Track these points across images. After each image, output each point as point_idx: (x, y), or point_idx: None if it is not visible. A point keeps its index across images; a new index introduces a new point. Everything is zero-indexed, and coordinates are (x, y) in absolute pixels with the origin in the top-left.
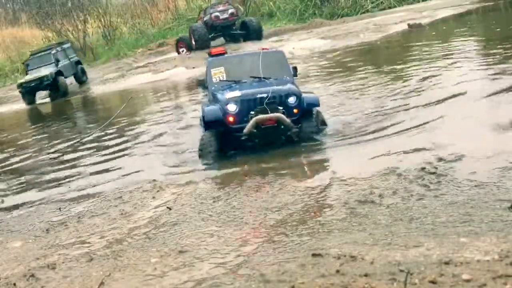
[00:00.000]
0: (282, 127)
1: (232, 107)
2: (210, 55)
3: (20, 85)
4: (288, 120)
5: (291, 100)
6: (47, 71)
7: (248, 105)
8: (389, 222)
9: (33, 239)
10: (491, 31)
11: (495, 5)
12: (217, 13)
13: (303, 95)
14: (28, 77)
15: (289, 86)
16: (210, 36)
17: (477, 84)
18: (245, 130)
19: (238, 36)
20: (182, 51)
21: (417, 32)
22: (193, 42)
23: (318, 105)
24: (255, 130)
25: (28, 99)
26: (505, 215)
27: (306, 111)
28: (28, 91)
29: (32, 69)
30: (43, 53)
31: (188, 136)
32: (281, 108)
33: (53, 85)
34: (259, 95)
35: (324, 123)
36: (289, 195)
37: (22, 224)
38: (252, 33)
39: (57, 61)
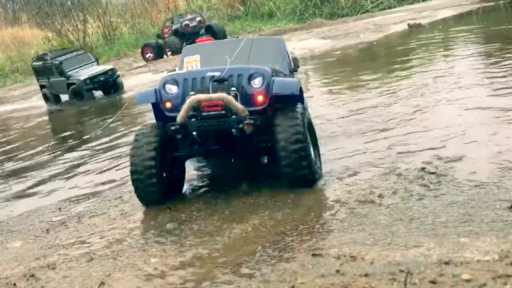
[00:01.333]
0: (233, 116)
1: (171, 89)
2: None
3: (84, 82)
4: (239, 105)
5: (257, 82)
6: (105, 66)
7: (194, 87)
8: (389, 222)
9: (33, 239)
10: (492, 31)
11: (495, 5)
12: (187, 22)
13: (276, 78)
14: (91, 71)
15: (258, 66)
16: (184, 44)
17: (478, 84)
18: (178, 118)
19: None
20: (149, 56)
21: (417, 32)
22: (169, 55)
23: (295, 92)
24: (193, 119)
25: (87, 96)
26: (505, 215)
27: (285, 103)
28: (96, 87)
29: (74, 69)
30: (74, 53)
31: None
32: (234, 89)
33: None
34: (209, 73)
35: (312, 132)
36: (289, 195)
37: (22, 224)
38: (218, 35)
39: (97, 60)
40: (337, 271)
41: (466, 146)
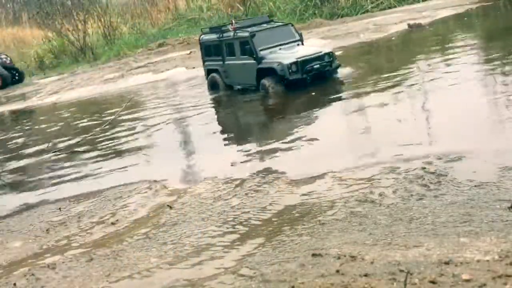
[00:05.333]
0: None
1: None
2: None
3: (288, 68)
4: None
5: None
6: (317, 48)
7: None
8: (389, 222)
9: (33, 239)
10: (491, 30)
11: (495, 5)
12: (5, 59)
13: None
14: (299, 52)
15: None
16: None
17: (478, 84)
18: None
19: (14, 75)
20: None
21: (417, 32)
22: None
23: None
24: None
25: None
26: (505, 215)
27: None
28: (306, 78)
29: (270, 47)
30: (270, 25)
31: (188, 136)
32: None
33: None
34: None
35: None
36: (289, 195)
37: (22, 224)
38: (20, 73)
39: (302, 37)
40: (337, 271)
41: (466, 146)
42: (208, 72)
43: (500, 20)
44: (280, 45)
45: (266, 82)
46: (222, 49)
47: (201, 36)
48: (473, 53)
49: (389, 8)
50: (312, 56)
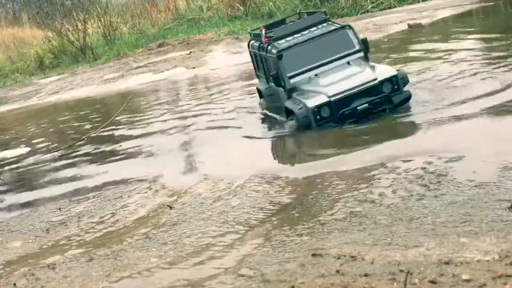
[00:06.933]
0: None
1: None
2: None
3: (314, 112)
4: None
5: None
6: (378, 71)
7: None
8: (389, 222)
9: (33, 239)
10: (492, 30)
11: (495, 5)
12: None
13: None
14: (350, 80)
15: None
16: None
17: (478, 84)
18: None
19: None
20: None
21: (417, 32)
22: None
23: None
24: None
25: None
26: (505, 215)
27: None
28: (342, 119)
29: (305, 70)
30: (318, 31)
31: (188, 136)
32: None
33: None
34: None
35: None
36: (288, 195)
37: (22, 224)
38: None
39: (366, 47)
40: (337, 271)
41: (466, 146)
42: (259, 93)
43: (501, 20)
44: (325, 64)
45: (289, 124)
46: (263, 64)
47: (250, 42)
48: (474, 53)
49: (389, 8)
50: (358, 90)
